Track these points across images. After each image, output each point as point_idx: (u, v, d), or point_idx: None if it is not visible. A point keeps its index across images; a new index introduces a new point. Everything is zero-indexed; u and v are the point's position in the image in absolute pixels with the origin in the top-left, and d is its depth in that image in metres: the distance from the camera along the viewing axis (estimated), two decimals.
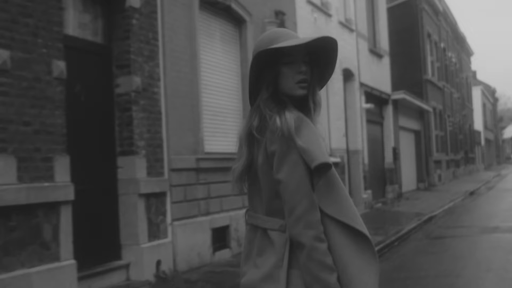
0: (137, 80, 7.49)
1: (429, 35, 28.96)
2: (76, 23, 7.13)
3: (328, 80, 2.39)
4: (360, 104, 16.92)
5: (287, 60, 2.21)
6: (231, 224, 9.36)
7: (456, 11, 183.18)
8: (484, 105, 60.49)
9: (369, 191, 17.14)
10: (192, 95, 8.67)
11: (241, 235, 9.59)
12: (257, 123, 2.17)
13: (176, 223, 8.07)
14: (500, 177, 38.35)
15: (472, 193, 23.46)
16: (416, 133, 26.20)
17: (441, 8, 31.92)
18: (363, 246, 2.11)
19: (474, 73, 63.47)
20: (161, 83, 8.06)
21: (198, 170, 8.64)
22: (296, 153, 2.05)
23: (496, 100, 77.90)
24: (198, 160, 8.61)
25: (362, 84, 17.21)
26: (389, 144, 20.40)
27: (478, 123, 53.93)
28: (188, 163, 8.43)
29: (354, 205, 2.19)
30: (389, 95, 20.65)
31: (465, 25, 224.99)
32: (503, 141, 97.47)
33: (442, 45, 32.73)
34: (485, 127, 60.59)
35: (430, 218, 14.71)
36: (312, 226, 2.01)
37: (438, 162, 28.83)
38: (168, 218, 8.00)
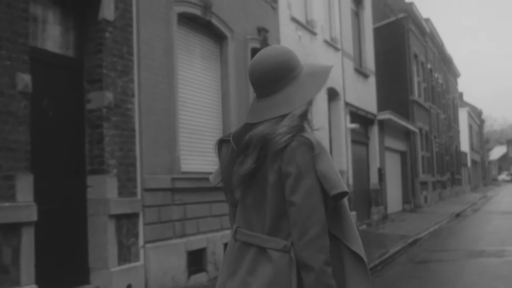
0: (109, 96, 7.17)
1: (415, 56, 28.91)
2: (46, 35, 6.82)
3: None
4: (345, 124, 16.68)
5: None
6: (208, 247, 9.01)
7: (443, 33, 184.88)
8: (470, 127, 60.63)
9: (354, 213, 16.81)
10: (169, 112, 8.37)
11: (219, 258, 9.24)
12: (285, 137, 2.09)
13: (148, 245, 7.71)
14: (486, 198, 38.22)
15: (458, 215, 23.23)
16: (402, 154, 26.00)
17: (427, 29, 31.93)
18: (361, 270, 2.18)
19: (461, 94, 63.70)
20: (135, 99, 7.75)
21: (173, 190, 8.31)
22: (314, 178, 2.06)
23: (482, 121, 78.23)
24: (173, 179, 8.28)
25: (347, 104, 16.99)
26: (374, 164, 20.15)
27: (464, 145, 53.95)
28: (162, 183, 8.09)
29: (356, 229, 2.24)
30: (374, 115, 20.45)
31: (452, 47, 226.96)
32: (490, 162, 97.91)
33: (428, 66, 32.71)
34: (472, 148, 60.66)
35: (415, 241, 14.42)
36: (322, 251, 2.03)
37: (424, 184, 28.63)
38: (140, 240, 7.64)
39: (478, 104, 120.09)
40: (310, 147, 2.07)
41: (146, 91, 7.93)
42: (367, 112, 19.30)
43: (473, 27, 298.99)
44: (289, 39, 12.96)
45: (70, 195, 6.92)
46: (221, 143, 2.37)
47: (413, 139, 27.01)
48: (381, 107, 21.78)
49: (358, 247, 2.18)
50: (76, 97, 7.15)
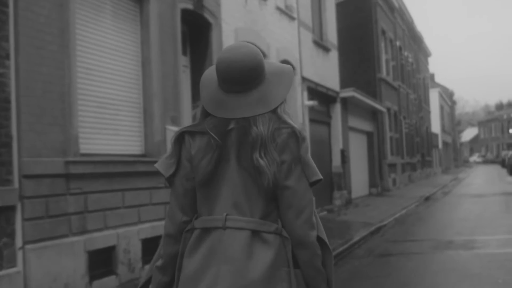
0: None
1: (383, 32, 27.45)
2: None
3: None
4: (302, 101, 15.12)
5: None
6: (118, 244, 7.42)
7: (413, 12, 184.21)
8: (442, 108, 59.63)
9: (313, 198, 15.32)
10: (62, 80, 6.71)
11: (134, 257, 7.67)
12: (271, 129, 2.27)
13: (30, 246, 6.09)
14: (457, 180, 37.15)
15: (427, 199, 21.97)
16: (369, 135, 24.56)
17: (396, 5, 30.52)
18: (327, 256, 2.35)
19: (432, 75, 62.73)
20: (11, 62, 6.09)
21: (68, 177, 6.68)
22: (300, 165, 2.27)
23: (454, 103, 77.56)
24: (68, 163, 6.65)
25: (304, 79, 15.42)
26: (337, 146, 18.65)
27: (435, 126, 52.88)
28: (52, 168, 6.46)
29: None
30: (337, 93, 18.92)
31: (422, 26, 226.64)
32: (461, 144, 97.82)
33: (397, 43, 31.29)
34: (443, 130, 59.71)
35: (378, 229, 13.03)
36: (314, 228, 2.27)
37: (392, 166, 27.31)
38: (18, 241, 6.03)
39: (450, 86, 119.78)
40: (301, 138, 2.27)
41: (27, 52, 6.26)
42: (328, 89, 17.75)
43: (444, 7, 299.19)
44: (232, 1, 11.34)
45: None
46: (183, 134, 2.35)
47: (380, 119, 25.61)
48: (347, 85, 20.31)
49: (322, 233, 2.33)
50: None
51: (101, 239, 7.13)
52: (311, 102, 15.47)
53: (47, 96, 6.47)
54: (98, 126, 7.52)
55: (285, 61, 13.92)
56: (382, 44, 27.31)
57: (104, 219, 7.25)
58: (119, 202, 7.54)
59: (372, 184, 24.06)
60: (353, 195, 20.17)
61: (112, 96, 7.86)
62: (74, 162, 6.74)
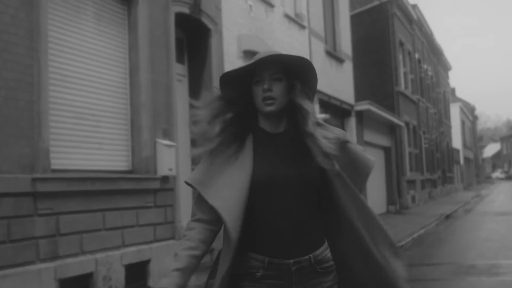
0: None
1: (401, 44, 26.57)
2: None
3: (312, 90, 2.40)
4: None
5: (256, 79, 2.33)
6: (97, 271, 6.62)
7: (433, 23, 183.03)
8: (463, 123, 58.31)
9: None
10: (30, 87, 5.97)
11: (116, 285, 6.87)
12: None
13: None
14: (480, 197, 35.91)
15: (447, 217, 20.89)
16: (386, 150, 23.58)
17: (415, 16, 29.61)
18: None
19: (453, 90, 61.56)
20: None
21: (36, 196, 5.92)
22: None
23: (475, 118, 76.11)
24: (35, 180, 5.89)
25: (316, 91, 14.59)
26: None
27: (456, 141, 51.61)
28: (15, 186, 5.70)
29: None
30: (352, 106, 18.07)
31: (442, 41, 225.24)
32: (483, 160, 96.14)
33: (416, 56, 30.36)
34: (464, 145, 58.35)
35: None
36: None
37: (412, 182, 26.26)
38: None
39: (471, 101, 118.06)
40: None
41: None
42: (342, 102, 16.91)
43: (466, 23, 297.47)
44: (235, 7, 10.60)
45: None
46: None
47: (398, 133, 24.63)
48: (363, 98, 19.47)
49: None
50: None
51: (75, 266, 6.34)
52: (323, 115, 14.61)
53: (10, 104, 5.73)
54: (75, 139, 6.76)
55: None
56: (400, 57, 26.42)
57: (80, 243, 6.47)
58: (99, 223, 6.76)
59: (390, 201, 23.05)
60: None
61: (93, 106, 7.12)
62: (43, 179, 5.98)
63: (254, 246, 2.28)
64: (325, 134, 2.34)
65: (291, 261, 2.26)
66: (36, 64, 6.05)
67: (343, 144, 2.40)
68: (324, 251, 2.35)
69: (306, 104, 2.31)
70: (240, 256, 2.26)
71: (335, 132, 2.40)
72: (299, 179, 2.30)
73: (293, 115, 2.34)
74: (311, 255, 2.30)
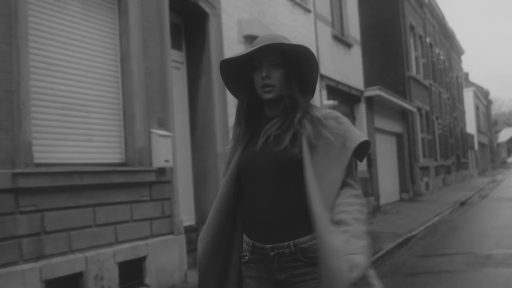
0: None
1: (412, 28, 25.96)
2: None
3: (313, 79, 2.43)
4: (321, 100, 13.83)
5: (255, 66, 2.37)
6: (87, 270, 6.24)
7: (444, 7, 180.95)
8: (477, 108, 57.46)
9: None
10: (9, 77, 5.57)
11: (109, 284, 6.49)
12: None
13: None
14: (495, 183, 35.30)
15: (462, 204, 20.40)
16: (398, 136, 23.05)
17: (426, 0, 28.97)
18: None
19: (466, 74, 60.62)
20: None
21: (18, 192, 5.53)
22: None
23: (490, 102, 75.06)
24: (16, 176, 5.50)
25: (323, 77, 14.11)
26: None
27: (470, 126, 50.85)
28: None
29: None
30: (361, 92, 17.56)
31: (454, 24, 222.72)
32: (498, 145, 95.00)
33: (428, 40, 29.72)
34: (479, 130, 57.52)
35: (406, 241, 11.64)
36: None
37: (425, 169, 25.73)
38: None
39: (485, 85, 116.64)
40: None
41: None
42: (350, 88, 16.41)
43: (479, 6, 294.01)
44: None
45: None
46: None
47: (410, 119, 24.09)
48: (373, 84, 18.97)
49: None
50: None
51: (63, 265, 5.96)
52: (330, 102, 14.15)
53: None
54: (61, 131, 6.36)
55: None
56: (411, 41, 25.84)
57: (68, 240, 6.09)
58: (89, 220, 6.37)
59: (403, 189, 22.55)
60: (382, 202, 18.76)
61: (81, 96, 6.71)
62: (25, 174, 5.59)
63: (245, 229, 2.40)
64: (319, 129, 2.30)
65: (269, 246, 2.27)
66: (15, 51, 5.64)
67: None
68: (311, 240, 2.23)
69: (298, 98, 2.35)
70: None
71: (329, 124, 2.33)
72: (276, 158, 2.30)
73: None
74: (291, 242, 2.24)
